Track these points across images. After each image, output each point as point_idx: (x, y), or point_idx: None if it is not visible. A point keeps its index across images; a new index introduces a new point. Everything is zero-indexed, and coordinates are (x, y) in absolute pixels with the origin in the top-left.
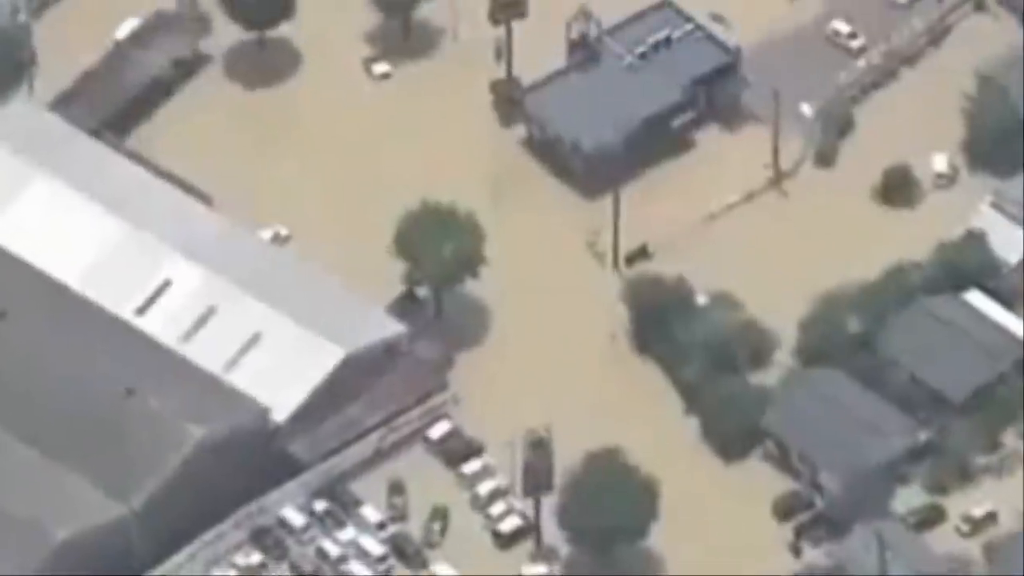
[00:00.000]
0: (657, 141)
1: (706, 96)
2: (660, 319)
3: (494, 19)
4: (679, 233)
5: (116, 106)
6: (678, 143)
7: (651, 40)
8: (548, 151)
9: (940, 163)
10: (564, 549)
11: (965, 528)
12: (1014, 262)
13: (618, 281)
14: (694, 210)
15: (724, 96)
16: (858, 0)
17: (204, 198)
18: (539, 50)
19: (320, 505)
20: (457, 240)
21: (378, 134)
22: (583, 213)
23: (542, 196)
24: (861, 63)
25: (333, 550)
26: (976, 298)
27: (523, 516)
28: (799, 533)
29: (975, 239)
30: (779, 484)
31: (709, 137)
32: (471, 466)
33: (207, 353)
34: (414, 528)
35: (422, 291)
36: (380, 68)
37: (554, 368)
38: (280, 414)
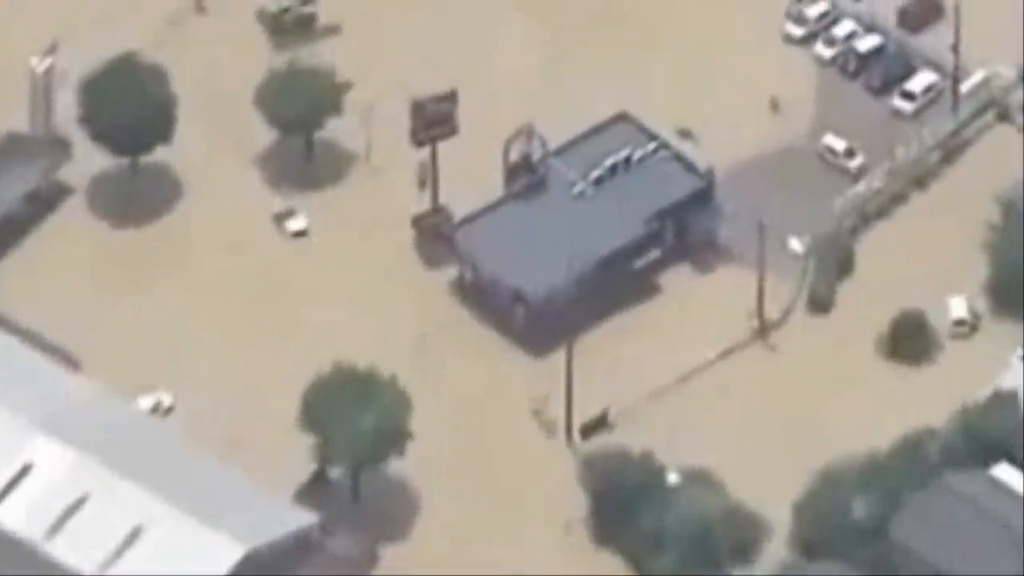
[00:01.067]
0: (616, 285)
1: (675, 230)
2: (625, 503)
3: (417, 139)
4: (645, 397)
5: None
6: (642, 288)
7: (607, 162)
8: (484, 298)
9: (959, 308)
10: None
11: None
12: None
13: (573, 457)
14: (662, 369)
15: (696, 229)
16: (855, 110)
17: (69, 361)
18: (472, 176)
19: None
20: (377, 410)
21: (280, 282)
22: (528, 373)
23: (478, 353)
24: (861, 187)
25: None
26: (1006, 472)
27: None
28: None
29: (1003, 400)
30: None
31: (679, 280)
32: None
33: (79, 551)
34: None
35: (336, 472)
36: (295, 225)
37: (499, 565)
38: None
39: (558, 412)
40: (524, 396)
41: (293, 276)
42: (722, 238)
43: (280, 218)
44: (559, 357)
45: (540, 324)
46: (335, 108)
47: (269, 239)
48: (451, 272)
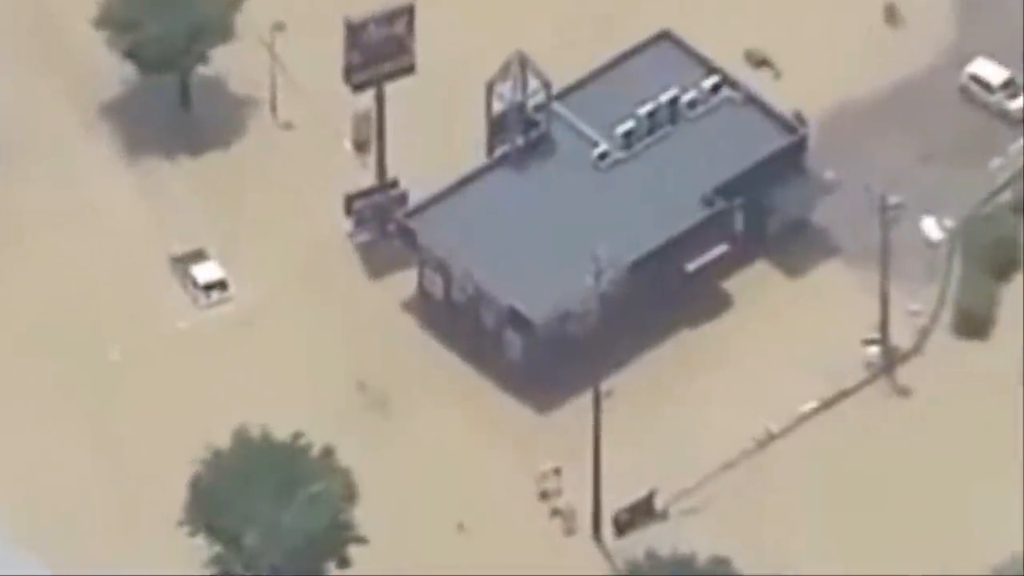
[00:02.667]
0: (663, 299)
1: (749, 212)
2: None
3: (354, 80)
4: (709, 472)
5: None
6: (701, 301)
7: (643, 109)
8: (460, 322)
9: None
10: None
11: None
12: None
13: (604, 563)
14: (734, 428)
15: (781, 211)
16: (1015, 22)
17: None
18: (438, 134)
19: None
20: (305, 498)
21: (153, 307)
22: (531, 435)
23: (452, 406)
24: None
25: None
26: None
27: None
28: None
29: None
30: None
31: (755, 287)
32: None
33: None
34: None
35: None
36: (207, 274)
37: None
38: None
39: (580, 495)
40: (527, 470)
41: (172, 300)
42: (820, 223)
43: (181, 263)
44: (579, 410)
45: (547, 360)
46: (223, 32)
47: (133, 237)
48: (409, 282)
